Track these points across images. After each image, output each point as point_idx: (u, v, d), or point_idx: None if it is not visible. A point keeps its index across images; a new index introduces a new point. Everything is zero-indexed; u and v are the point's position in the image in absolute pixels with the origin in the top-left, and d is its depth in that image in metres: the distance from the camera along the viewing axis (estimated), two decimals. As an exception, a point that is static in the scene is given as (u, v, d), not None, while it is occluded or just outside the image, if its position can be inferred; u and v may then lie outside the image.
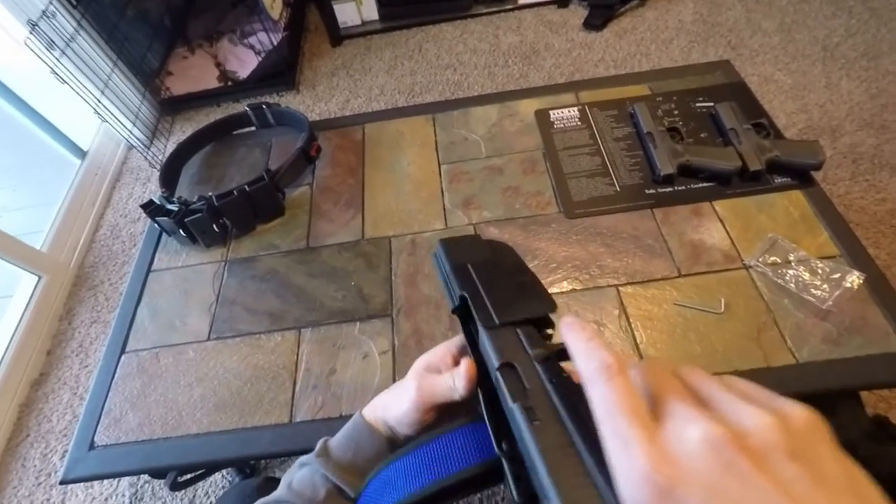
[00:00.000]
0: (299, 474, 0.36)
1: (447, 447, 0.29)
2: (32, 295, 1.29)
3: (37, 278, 1.31)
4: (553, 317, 0.29)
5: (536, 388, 0.24)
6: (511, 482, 0.24)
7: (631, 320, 0.63)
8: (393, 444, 0.36)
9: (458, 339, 0.37)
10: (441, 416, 0.35)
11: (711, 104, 0.83)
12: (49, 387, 1.20)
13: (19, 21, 1.34)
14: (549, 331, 0.30)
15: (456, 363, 0.35)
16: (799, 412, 0.17)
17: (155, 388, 0.65)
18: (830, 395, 0.77)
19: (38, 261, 1.32)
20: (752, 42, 1.61)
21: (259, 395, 0.63)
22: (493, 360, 0.26)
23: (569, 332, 0.22)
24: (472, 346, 0.31)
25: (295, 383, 0.63)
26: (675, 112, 0.84)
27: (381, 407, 0.37)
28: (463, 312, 0.31)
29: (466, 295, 0.31)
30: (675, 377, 0.20)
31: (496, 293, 0.30)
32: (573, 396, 0.22)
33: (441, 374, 0.34)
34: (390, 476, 0.31)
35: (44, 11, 1.31)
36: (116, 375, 0.67)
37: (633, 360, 0.22)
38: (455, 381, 0.32)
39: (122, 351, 0.70)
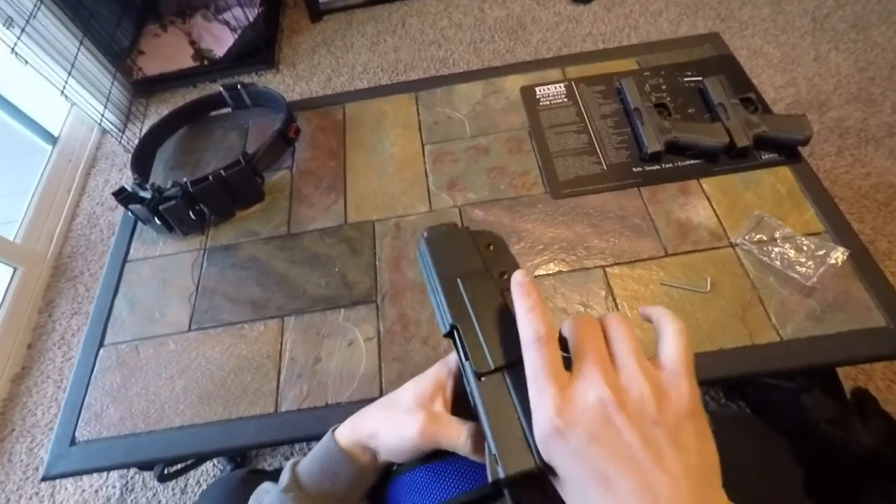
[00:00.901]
0: None
1: (451, 471, 0.31)
2: (9, 287, 1.25)
3: (12, 270, 1.27)
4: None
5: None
6: None
7: (618, 301, 0.62)
8: (372, 470, 0.34)
9: (449, 364, 0.35)
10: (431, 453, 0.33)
11: (700, 78, 0.81)
12: (32, 380, 1.17)
13: (-27, -3, 1.26)
14: None
15: (456, 387, 0.34)
16: (675, 392, 0.23)
17: (136, 381, 0.64)
18: (808, 376, 0.79)
19: (13, 252, 1.28)
20: (741, 14, 1.58)
21: (243, 386, 0.62)
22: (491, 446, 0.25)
23: (516, 295, 0.26)
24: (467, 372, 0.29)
25: (279, 373, 0.62)
26: (663, 87, 0.82)
27: (367, 433, 0.34)
28: (457, 338, 0.29)
29: (458, 327, 0.29)
30: (597, 333, 0.25)
31: (488, 327, 0.28)
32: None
33: (443, 415, 0.32)
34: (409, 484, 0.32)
35: (-1, -14, 1.23)
36: (95, 369, 0.66)
37: (568, 320, 0.26)
38: (465, 443, 0.30)
39: (101, 344, 0.68)
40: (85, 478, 1.01)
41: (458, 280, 0.30)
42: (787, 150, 0.72)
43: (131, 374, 0.65)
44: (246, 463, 1.00)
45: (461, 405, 0.32)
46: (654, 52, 0.88)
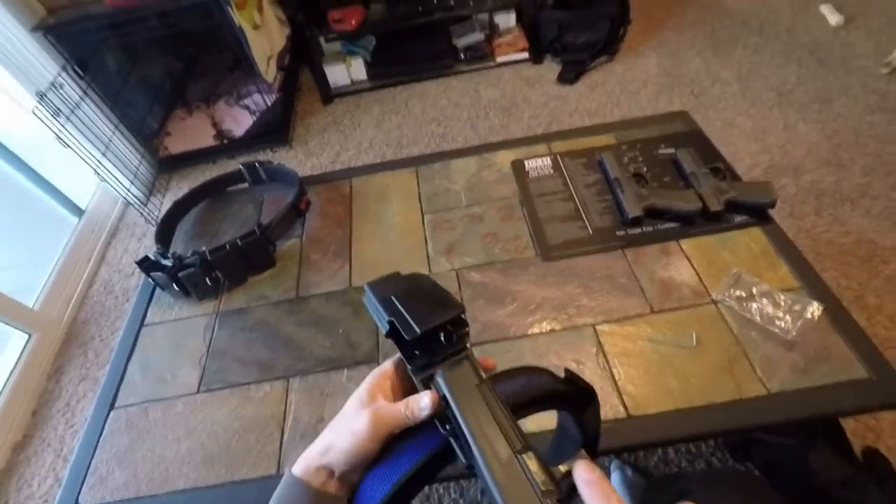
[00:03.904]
0: None
1: (405, 445, 0.34)
2: (22, 353, 1.28)
3: (27, 336, 1.31)
4: (570, 463, 0.29)
5: None
6: (458, 451, 0.31)
7: (609, 358, 0.65)
8: (329, 495, 0.34)
9: (389, 363, 0.39)
10: (385, 446, 0.35)
11: (672, 150, 0.90)
12: (32, 449, 1.17)
13: (28, 91, 1.42)
14: (465, 329, 0.36)
15: (394, 387, 0.37)
16: None
17: (143, 443, 0.66)
18: (807, 431, 0.79)
19: (30, 318, 1.33)
20: (713, 90, 1.74)
21: (247, 447, 0.63)
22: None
23: (587, 490, 0.26)
24: (409, 359, 0.36)
25: (283, 433, 0.64)
26: (640, 159, 0.90)
27: (318, 453, 0.35)
28: (395, 334, 0.36)
29: (393, 319, 0.35)
30: None
31: (415, 310, 0.36)
32: None
33: (385, 404, 0.35)
34: (365, 489, 0.34)
35: (52, 83, 1.40)
36: (104, 432, 0.67)
37: None
38: (415, 411, 0.34)
39: (112, 407, 0.70)
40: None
41: (392, 296, 0.38)
42: (757, 213, 0.78)
43: (139, 437, 0.66)
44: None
45: (416, 442, 0.35)
46: (630, 128, 0.98)
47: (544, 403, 0.36)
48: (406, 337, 0.34)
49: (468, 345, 0.36)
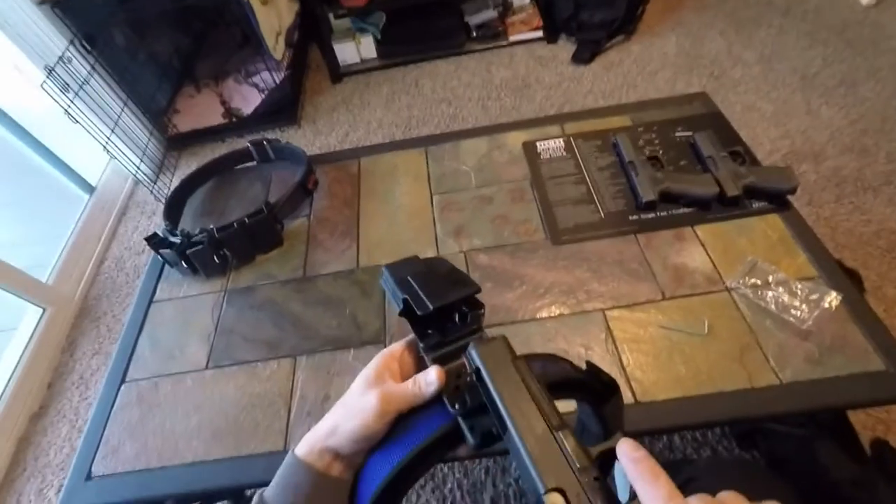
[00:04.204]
0: None
1: (411, 425, 0.33)
2: (36, 327, 1.31)
3: (41, 311, 1.34)
4: (602, 445, 0.29)
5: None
6: (466, 431, 0.30)
7: (617, 343, 0.64)
8: (333, 478, 0.34)
9: (398, 345, 0.38)
10: (391, 427, 0.34)
11: (690, 133, 0.87)
12: (48, 420, 1.20)
13: (37, 66, 1.42)
14: (481, 311, 0.36)
15: (403, 370, 0.36)
16: None
17: (153, 417, 0.67)
18: (816, 425, 0.78)
19: (44, 293, 1.35)
20: (733, 72, 1.68)
21: (255, 423, 0.64)
22: (538, 483, 0.25)
23: (638, 478, 0.24)
24: (422, 337, 0.36)
25: (290, 411, 0.64)
26: (656, 141, 0.88)
27: (323, 435, 0.34)
28: (409, 313, 0.36)
29: (407, 297, 0.35)
30: None
31: (430, 288, 0.36)
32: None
33: (394, 384, 0.34)
34: (369, 468, 0.33)
35: (60, 57, 1.39)
36: (116, 405, 0.69)
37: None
38: (423, 387, 0.33)
39: (123, 381, 0.71)
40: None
41: (409, 277, 0.38)
42: (776, 199, 0.75)
43: (149, 410, 0.67)
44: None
45: (424, 422, 0.34)
46: (647, 109, 0.95)
47: (561, 391, 0.34)
48: (419, 312, 0.34)
49: (483, 326, 0.36)
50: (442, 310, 0.34)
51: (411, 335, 0.38)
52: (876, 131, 1.38)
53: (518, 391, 0.29)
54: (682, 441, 0.96)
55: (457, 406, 0.31)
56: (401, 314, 0.36)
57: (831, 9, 1.82)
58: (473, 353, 0.32)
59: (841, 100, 1.49)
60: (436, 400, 0.33)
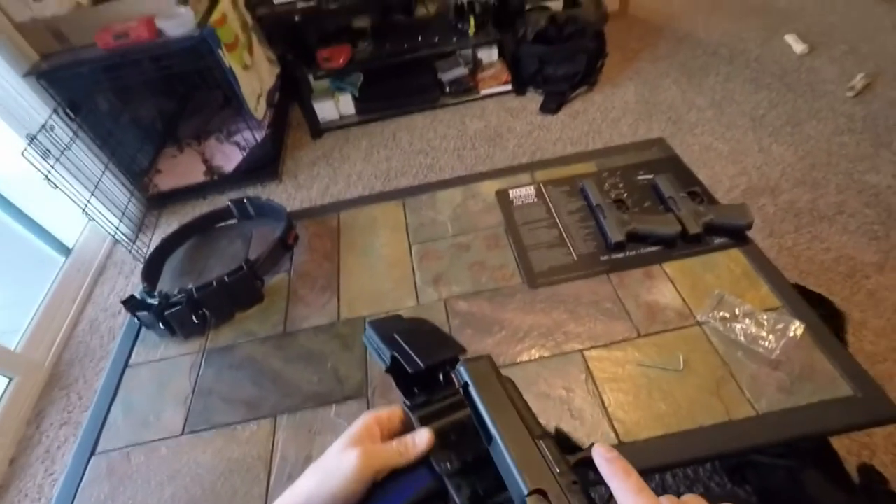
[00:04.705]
0: None
1: (394, 485, 0.33)
2: (1, 398, 1.24)
3: (8, 380, 1.28)
4: (580, 445, 0.32)
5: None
6: (453, 491, 0.30)
7: (598, 383, 0.65)
8: None
9: (382, 409, 0.37)
10: (369, 492, 0.33)
11: (651, 176, 0.93)
12: (8, 500, 1.11)
13: (17, 133, 1.44)
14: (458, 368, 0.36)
15: (384, 432, 0.35)
16: None
17: (124, 490, 0.63)
18: (799, 454, 0.79)
19: (11, 361, 1.29)
20: (689, 116, 1.81)
21: (233, 490, 0.61)
22: (521, 485, 0.27)
23: (615, 479, 0.27)
24: (408, 396, 0.36)
25: (270, 474, 0.62)
26: (621, 185, 0.93)
27: (300, 497, 0.33)
28: (395, 371, 0.36)
29: (396, 354, 0.36)
30: None
31: (418, 347, 0.37)
32: None
33: (377, 444, 0.34)
34: None
35: (43, 125, 1.42)
36: (84, 480, 0.65)
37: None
38: (409, 447, 0.33)
39: (92, 452, 0.68)
40: None
41: (395, 334, 0.38)
42: (736, 234, 0.80)
43: (120, 483, 0.64)
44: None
45: (406, 482, 0.34)
46: (611, 155, 1.01)
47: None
48: (410, 370, 0.34)
49: None
50: (428, 369, 0.35)
51: (393, 406, 0.37)
52: (823, 165, 1.49)
53: (503, 404, 0.32)
54: (675, 479, 0.95)
55: (443, 465, 0.31)
56: (387, 371, 0.36)
57: (770, 57, 2.01)
58: (462, 369, 0.34)
59: (789, 138, 1.61)
60: (419, 461, 0.33)
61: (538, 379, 0.67)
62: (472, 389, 0.33)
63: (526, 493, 0.27)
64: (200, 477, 0.63)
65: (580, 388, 0.65)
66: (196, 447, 0.66)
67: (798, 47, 2.01)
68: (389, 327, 0.40)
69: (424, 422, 0.34)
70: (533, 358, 0.69)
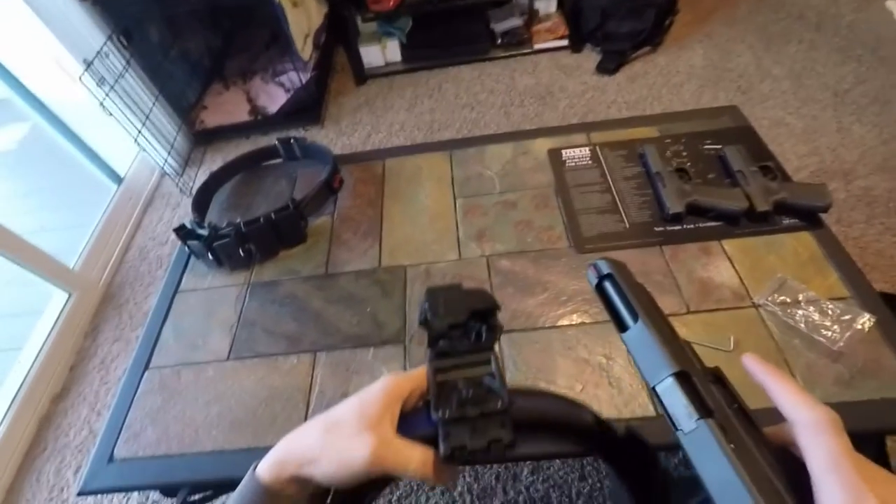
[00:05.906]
0: None
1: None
2: (62, 312, 1.34)
3: (67, 295, 1.37)
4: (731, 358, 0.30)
5: (719, 408, 0.25)
6: (441, 439, 0.29)
7: (639, 355, 0.63)
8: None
9: (406, 381, 0.34)
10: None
11: (719, 146, 0.86)
12: (69, 402, 1.23)
13: (76, 59, 1.47)
14: (497, 332, 0.35)
15: (406, 403, 0.33)
16: None
17: (175, 404, 0.68)
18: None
19: (70, 278, 1.39)
20: (762, 87, 1.65)
21: (273, 415, 0.65)
22: (665, 364, 0.26)
23: (773, 379, 0.26)
24: (433, 343, 0.34)
25: (308, 405, 0.65)
26: (684, 153, 0.87)
27: (300, 461, 0.30)
28: (427, 323, 0.35)
29: (428, 306, 0.35)
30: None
31: (451, 299, 0.36)
32: (755, 431, 0.25)
33: (394, 439, 0.30)
34: None
35: (98, 51, 1.44)
36: (139, 391, 0.70)
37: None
38: (416, 469, 0.30)
39: (146, 367, 0.73)
40: (104, 501, 1.03)
41: (435, 290, 0.37)
42: (808, 217, 0.74)
43: (171, 398, 0.69)
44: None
45: (406, 424, 0.32)
46: (675, 121, 0.94)
47: (563, 438, 0.33)
48: (434, 322, 0.34)
49: (496, 345, 0.35)
50: (458, 326, 0.34)
51: (421, 367, 0.35)
52: (910, 151, 1.35)
53: (648, 298, 0.30)
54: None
55: (441, 411, 0.30)
56: (420, 323, 0.36)
57: (866, 25, 1.79)
58: (602, 262, 0.32)
59: (874, 118, 1.46)
60: (425, 407, 0.32)
61: (578, 345, 0.66)
62: (615, 278, 0.31)
63: (672, 371, 0.25)
64: (244, 400, 0.67)
65: (621, 358, 0.64)
66: (240, 372, 0.70)
67: (901, 15, 1.77)
68: (439, 290, 0.39)
69: (439, 373, 0.33)
70: (574, 323, 0.68)
